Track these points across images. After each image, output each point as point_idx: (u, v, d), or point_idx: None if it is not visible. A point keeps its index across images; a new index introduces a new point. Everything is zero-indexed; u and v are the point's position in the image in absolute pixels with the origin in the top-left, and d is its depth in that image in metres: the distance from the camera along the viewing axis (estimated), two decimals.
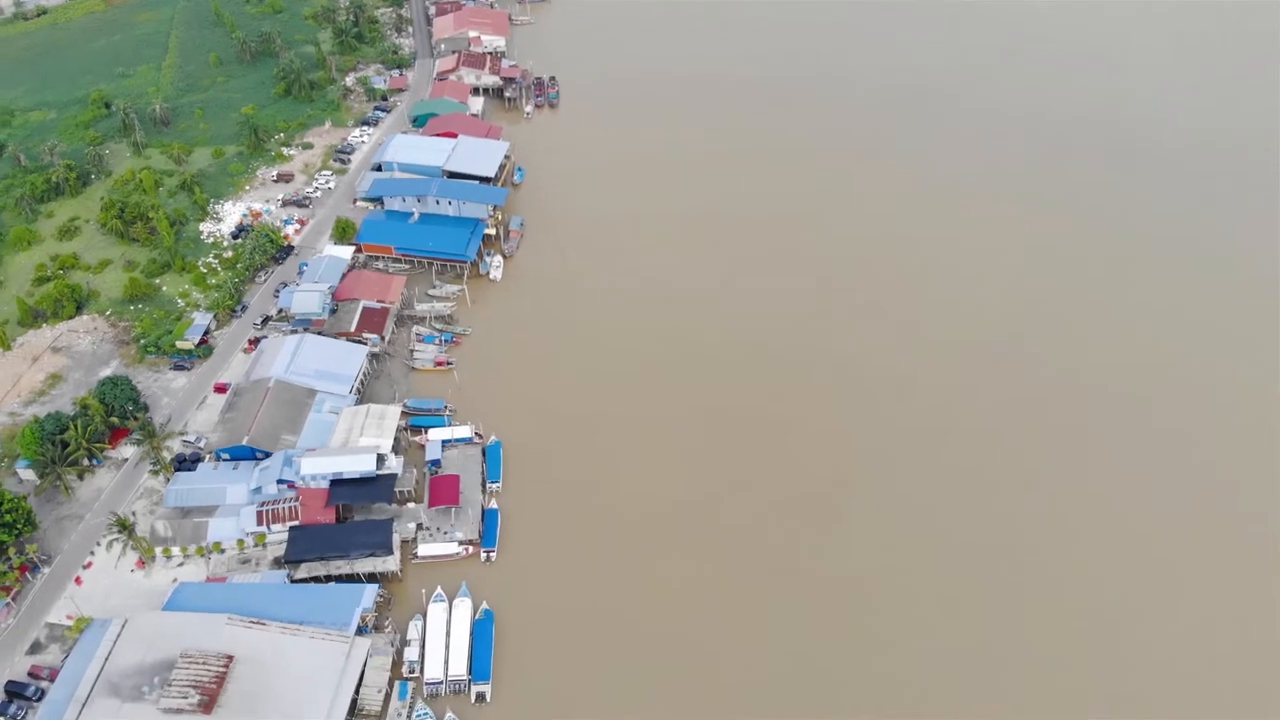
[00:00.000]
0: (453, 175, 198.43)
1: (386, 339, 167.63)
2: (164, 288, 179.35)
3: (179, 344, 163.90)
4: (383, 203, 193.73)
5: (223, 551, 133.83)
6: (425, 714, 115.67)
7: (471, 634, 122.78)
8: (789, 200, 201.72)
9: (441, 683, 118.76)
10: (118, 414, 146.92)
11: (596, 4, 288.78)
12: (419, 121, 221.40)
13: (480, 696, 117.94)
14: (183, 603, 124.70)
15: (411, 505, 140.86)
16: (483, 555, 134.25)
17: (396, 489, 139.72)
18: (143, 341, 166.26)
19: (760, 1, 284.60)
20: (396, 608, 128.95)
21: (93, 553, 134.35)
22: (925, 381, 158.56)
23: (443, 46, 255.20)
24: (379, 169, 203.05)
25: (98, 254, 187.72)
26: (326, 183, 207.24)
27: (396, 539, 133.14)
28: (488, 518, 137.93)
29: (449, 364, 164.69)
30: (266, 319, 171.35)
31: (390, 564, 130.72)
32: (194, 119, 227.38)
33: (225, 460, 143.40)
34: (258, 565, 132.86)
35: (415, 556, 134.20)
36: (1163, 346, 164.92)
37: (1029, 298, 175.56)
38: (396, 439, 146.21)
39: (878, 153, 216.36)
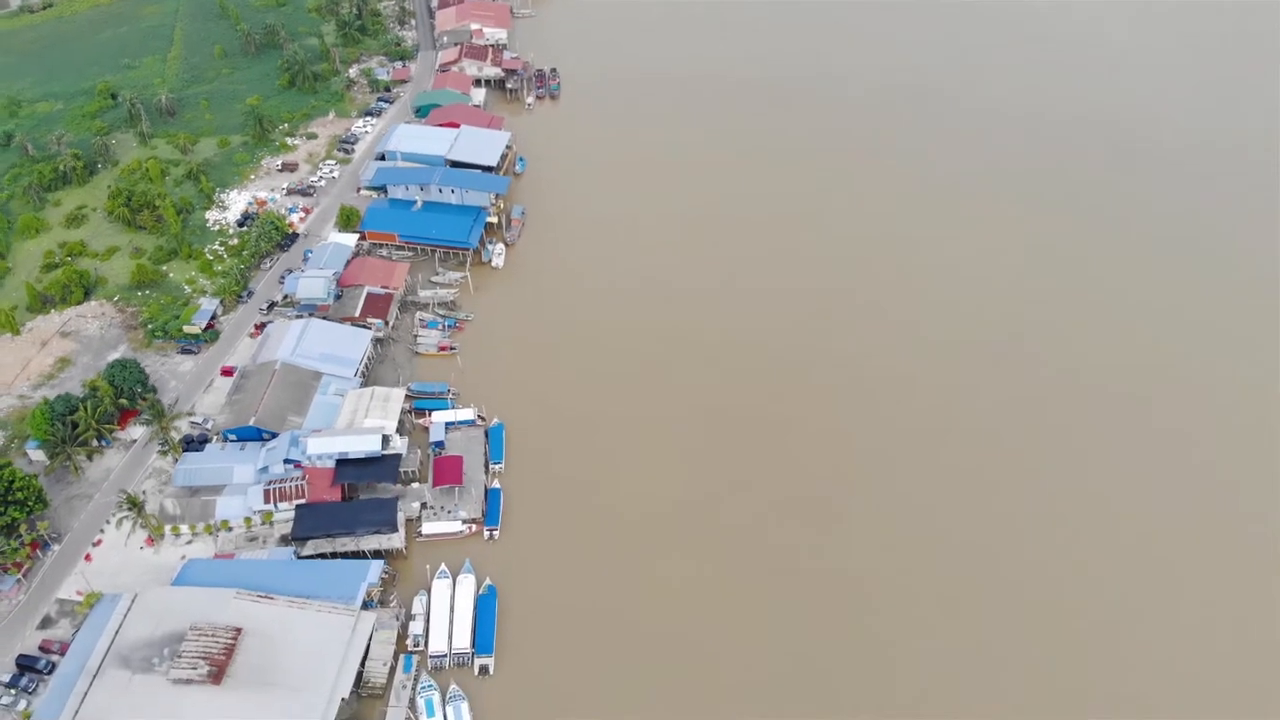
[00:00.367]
0: (455, 164, 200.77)
1: (390, 324, 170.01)
2: (171, 274, 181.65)
3: (186, 328, 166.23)
4: (386, 191, 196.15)
5: (230, 529, 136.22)
6: (429, 686, 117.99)
7: (475, 609, 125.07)
8: (787, 195, 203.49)
9: (445, 656, 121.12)
10: (126, 396, 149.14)
11: (595, 1, 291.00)
12: (422, 112, 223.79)
13: (483, 669, 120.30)
14: (191, 578, 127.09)
15: (416, 485, 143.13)
16: (486, 533, 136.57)
17: (401, 469, 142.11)
18: (150, 326, 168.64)
19: (761, 1, 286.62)
20: (401, 584, 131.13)
21: (102, 530, 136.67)
22: (925, 381, 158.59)
23: (445, 39, 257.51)
24: (382, 158, 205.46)
25: (105, 241, 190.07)
26: (330, 172, 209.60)
27: (401, 517, 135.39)
28: (491, 497, 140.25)
29: (452, 349, 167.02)
30: (272, 304, 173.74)
31: (395, 541, 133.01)
32: (199, 110, 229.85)
33: (232, 441, 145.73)
34: (265, 543, 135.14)
35: (420, 535, 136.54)
36: (1163, 346, 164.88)
37: (1029, 297, 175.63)
38: (401, 421, 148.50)
39: (877, 151, 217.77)
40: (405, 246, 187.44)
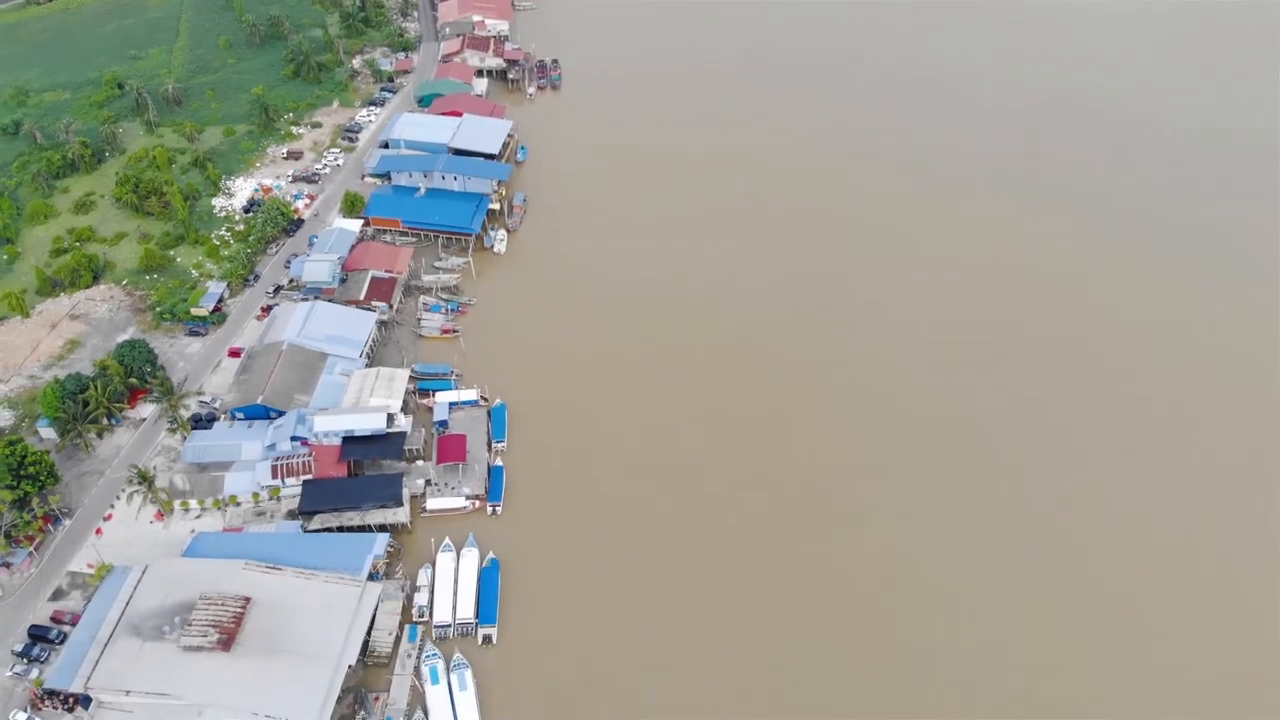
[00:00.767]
0: (458, 152, 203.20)
1: (395, 307, 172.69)
2: (178, 259, 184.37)
3: (194, 311, 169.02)
4: (390, 178, 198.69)
5: (239, 504, 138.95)
6: (434, 655, 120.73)
7: (478, 580, 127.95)
8: (785, 184, 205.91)
9: (450, 626, 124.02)
10: (136, 375, 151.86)
11: None
12: (425, 101, 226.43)
13: (487, 639, 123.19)
14: (201, 551, 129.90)
15: (420, 463, 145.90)
16: (489, 509, 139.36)
17: (406, 447, 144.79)
18: (158, 309, 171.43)
19: None
20: (406, 559, 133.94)
21: (113, 505, 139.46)
22: (927, 376, 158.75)
23: (447, 30, 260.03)
24: (386, 146, 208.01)
25: (113, 227, 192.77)
26: (335, 160, 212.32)
27: (406, 493, 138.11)
28: (493, 474, 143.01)
29: (455, 332, 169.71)
30: (278, 288, 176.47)
31: (400, 515, 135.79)
32: (205, 99, 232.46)
33: (240, 419, 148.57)
34: (272, 517, 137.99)
35: (424, 510, 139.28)
36: (1165, 344, 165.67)
37: (1029, 294, 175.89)
38: (405, 400, 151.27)
39: (878, 140, 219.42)
40: (409, 232, 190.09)
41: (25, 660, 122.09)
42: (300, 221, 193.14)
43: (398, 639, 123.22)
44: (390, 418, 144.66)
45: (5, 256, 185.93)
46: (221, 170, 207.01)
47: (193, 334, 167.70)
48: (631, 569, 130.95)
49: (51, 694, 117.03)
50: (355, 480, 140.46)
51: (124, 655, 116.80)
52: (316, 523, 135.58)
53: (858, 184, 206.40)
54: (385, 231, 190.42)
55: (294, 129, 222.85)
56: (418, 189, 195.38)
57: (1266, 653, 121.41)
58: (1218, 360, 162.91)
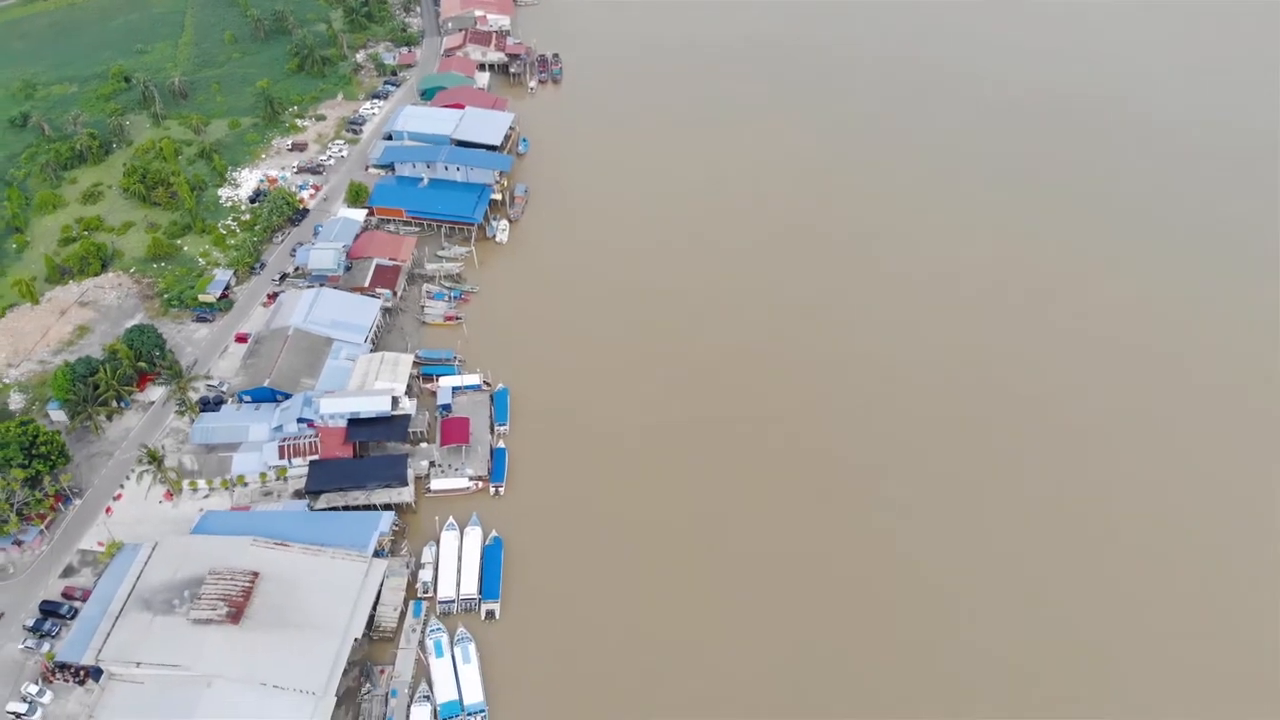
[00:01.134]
0: (460, 144, 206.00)
1: (398, 295, 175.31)
2: (185, 248, 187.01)
3: (201, 297, 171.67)
4: (394, 169, 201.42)
5: (246, 484, 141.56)
6: (438, 629, 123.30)
7: (482, 558, 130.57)
8: (784, 177, 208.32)
9: (454, 601, 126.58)
10: (145, 359, 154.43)
11: None
12: (427, 94, 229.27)
13: (490, 614, 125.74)
14: (209, 528, 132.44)
15: (424, 445, 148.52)
16: (492, 490, 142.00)
17: (410, 429, 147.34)
18: (166, 296, 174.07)
19: None
20: (411, 537, 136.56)
21: (122, 485, 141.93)
22: (928, 376, 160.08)
23: (450, 25, 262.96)
24: (390, 138, 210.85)
25: (121, 217, 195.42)
26: (339, 151, 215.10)
27: (410, 473, 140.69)
28: (496, 456, 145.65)
29: (458, 319, 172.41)
30: (284, 275, 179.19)
31: (405, 495, 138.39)
32: (211, 92, 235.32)
33: (247, 402, 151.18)
34: (279, 497, 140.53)
35: (429, 491, 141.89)
36: (1166, 343, 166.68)
37: (1030, 296, 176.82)
38: (409, 384, 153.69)
39: (879, 138, 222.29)
40: (412, 222, 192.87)
41: (37, 635, 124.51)
42: (305, 211, 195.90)
43: (403, 614, 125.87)
44: (395, 400, 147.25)
45: (15, 245, 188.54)
46: (227, 161, 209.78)
47: (200, 320, 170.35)
48: (630, 547, 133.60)
49: (63, 667, 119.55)
50: (361, 461, 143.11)
51: (134, 628, 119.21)
52: (323, 502, 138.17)
53: (857, 176, 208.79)
54: (389, 221, 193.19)
55: (298, 122, 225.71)
56: (421, 179, 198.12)
57: (1266, 653, 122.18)
58: (1218, 358, 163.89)
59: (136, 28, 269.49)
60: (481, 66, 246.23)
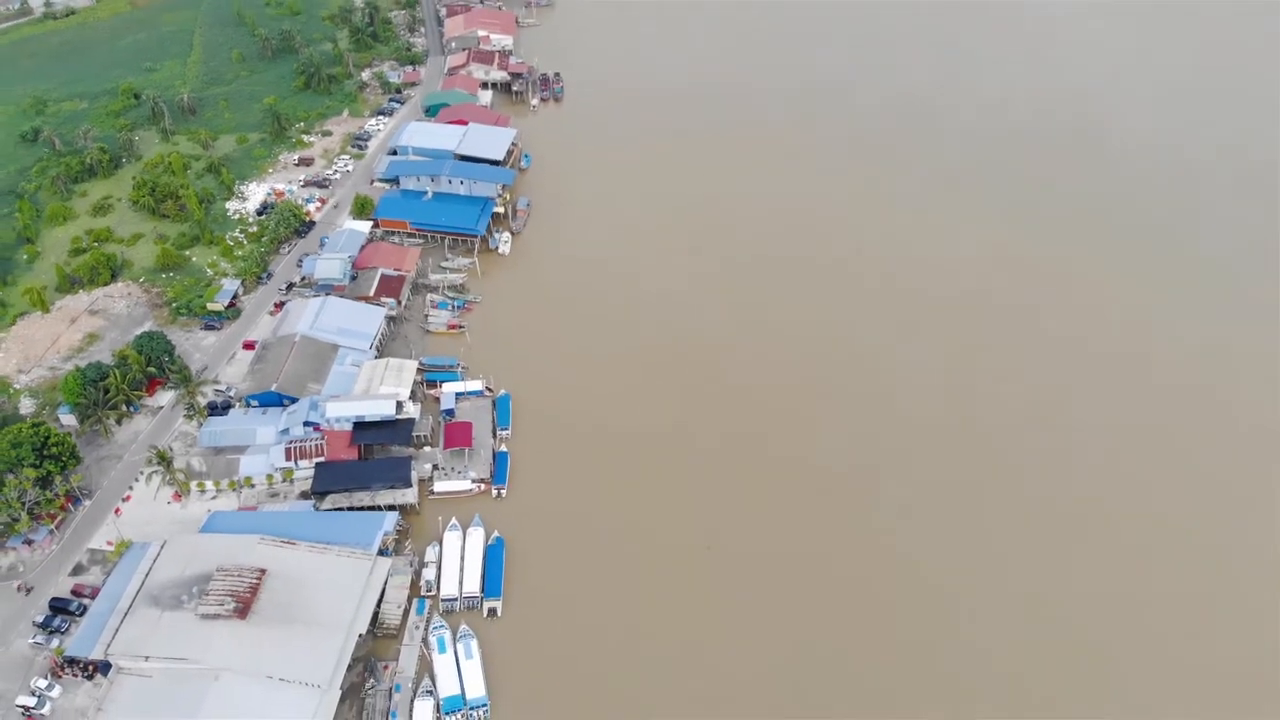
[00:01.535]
0: (464, 158, 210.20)
1: (403, 304, 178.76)
2: (194, 258, 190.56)
3: (209, 305, 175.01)
4: (399, 182, 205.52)
5: (253, 486, 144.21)
6: (441, 626, 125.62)
7: (484, 557, 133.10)
8: (782, 193, 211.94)
9: (456, 599, 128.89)
10: (154, 365, 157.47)
11: (596, 13, 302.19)
12: (431, 111, 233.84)
13: (492, 612, 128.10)
14: (217, 527, 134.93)
15: (428, 449, 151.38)
16: (494, 492, 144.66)
17: (414, 433, 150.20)
18: (175, 305, 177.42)
19: (750, 8, 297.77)
20: (414, 538, 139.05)
21: (131, 487, 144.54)
22: (929, 381, 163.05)
23: (453, 45, 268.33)
24: (395, 153, 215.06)
25: (130, 228, 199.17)
26: (345, 166, 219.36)
27: (414, 474, 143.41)
28: (498, 459, 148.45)
29: (461, 327, 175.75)
30: (291, 285, 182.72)
31: (409, 496, 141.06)
32: (219, 109, 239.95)
33: (255, 406, 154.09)
34: (286, 498, 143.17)
35: (432, 493, 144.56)
36: (1163, 346, 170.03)
37: (1029, 303, 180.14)
38: (413, 390, 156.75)
39: (874, 155, 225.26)
40: (416, 233, 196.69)
41: (46, 631, 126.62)
42: (311, 223, 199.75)
43: (406, 612, 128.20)
44: (399, 405, 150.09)
45: (26, 256, 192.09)
46: (235, 176, 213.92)
47: (208, 328, 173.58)
48: (629, 547, 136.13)
49: (72, 662, 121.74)
50: (365, 463, 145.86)
51: (143, 624, 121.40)
52: (328, 503, 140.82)
53: (857, 190, 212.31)
54: (394, 233, 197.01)
55: (305, 137, 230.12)
56: (425, 192, 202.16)
57: (1266, 653, 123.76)
58: (1216, 363, 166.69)
59: (145, 47, 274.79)
60: (484, 84, 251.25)
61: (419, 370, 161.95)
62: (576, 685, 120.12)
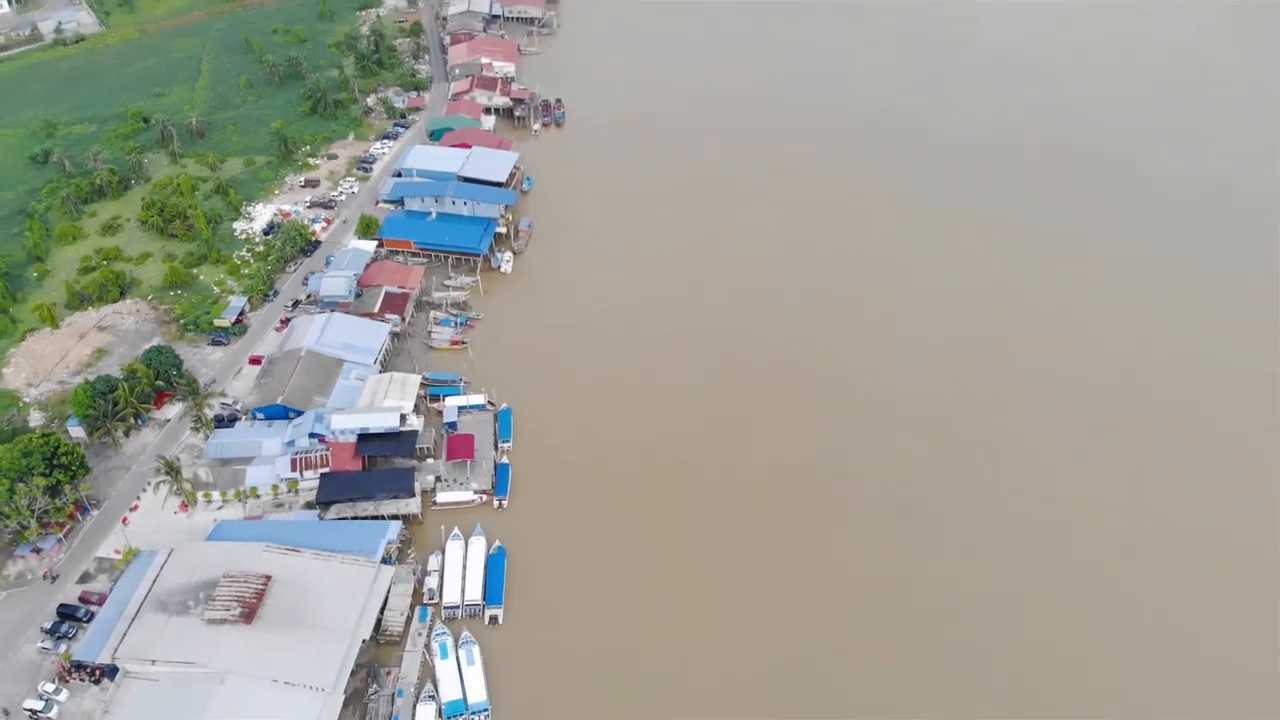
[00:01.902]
0: (467, 180, 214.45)
1: (407, 321, 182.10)
2: (201, 276, 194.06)
3: (216, 322, 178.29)
4: (403, 203, 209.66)
5: (259, 496, 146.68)
6: (443, 633, 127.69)
7: (486, 566, 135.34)
8: (779, 215, 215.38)
9: (458, 607, 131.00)
10: (163, 378, 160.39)
11: (597, 41, 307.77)
12: (435, 135, 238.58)
13: (493, 619, 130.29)
14: (223, 535, 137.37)
15: (431, 461, 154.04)
16: (496, 503, 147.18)
17: (417, 445, 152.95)
18: (182, 321, 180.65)
19: (748, 38, 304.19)
20: (417, 547, 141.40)
21: (139, 497, 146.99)
22: (931, 389, 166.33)
23: (457, 71, 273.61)
24: (399, 175, 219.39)
25: (138, 248, 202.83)
26: (350, 188, 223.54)
27: (417, 485, 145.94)
28: (500, 471, 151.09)
29: (463, 343, 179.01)
30: (296, 303, 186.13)
31: (412, 506, 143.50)
32: (227, 132, 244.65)
33: (261, 419, 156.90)
34: (291, 508, 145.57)
35: (434, 503, 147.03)
36: (1161, 353, 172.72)
37: (1027, 320, 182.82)
38: (416, 403, 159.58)
39: (872, 178, 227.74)
40: (420, 253, 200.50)
41: (54, 637, 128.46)
42: (317, 243, 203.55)
43: (409, 619, 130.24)
44: (403, 417, 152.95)
45: (36, 274, 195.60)
46: (242, 196, 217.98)
47: (215, 344, 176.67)
48: (630, 557, 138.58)
49: (79, 666, 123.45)
50: (370, 474, 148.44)
51: (150, 628, 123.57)
52: (333, 513, 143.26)
53: (860, 219, 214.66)
54: (398, 252, 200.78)
55: (311, 160, 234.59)
56: (429, 213, 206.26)
57: (1266, 653, 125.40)
58: (1215, 368, 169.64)
59: (154, 73, 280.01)
60: (487, 110, 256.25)
61: (422, 384, 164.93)
62: (576, 691, 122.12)
